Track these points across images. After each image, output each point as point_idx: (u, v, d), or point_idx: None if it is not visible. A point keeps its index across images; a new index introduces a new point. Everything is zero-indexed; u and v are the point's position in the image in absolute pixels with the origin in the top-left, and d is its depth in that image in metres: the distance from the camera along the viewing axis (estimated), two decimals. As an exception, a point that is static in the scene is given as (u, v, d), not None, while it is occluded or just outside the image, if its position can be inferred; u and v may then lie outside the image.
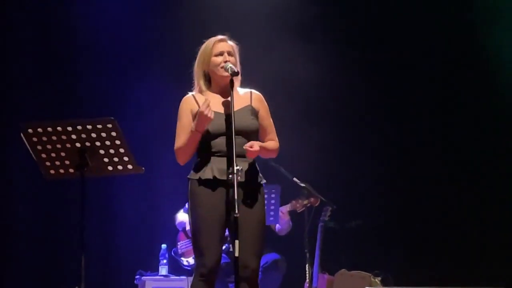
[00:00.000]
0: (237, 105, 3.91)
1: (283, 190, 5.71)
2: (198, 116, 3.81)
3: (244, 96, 4.03)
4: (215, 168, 3.86)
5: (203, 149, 3.92)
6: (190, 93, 4.05)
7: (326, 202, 5.93)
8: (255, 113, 4.00)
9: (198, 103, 3.95)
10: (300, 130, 6.55)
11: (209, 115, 3.78)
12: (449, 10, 6.72)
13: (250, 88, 4.08)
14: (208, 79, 4.04)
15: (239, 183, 3.69)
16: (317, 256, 5.83)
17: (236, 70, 3.90)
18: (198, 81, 4.05)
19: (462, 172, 6.65)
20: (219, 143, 3.88)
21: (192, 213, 3.91)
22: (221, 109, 3.93)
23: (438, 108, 6.80)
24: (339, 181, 6.60)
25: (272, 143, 4.05)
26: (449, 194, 6.61)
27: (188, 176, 3.95)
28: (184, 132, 3.93)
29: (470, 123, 6.68)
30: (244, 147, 3.80)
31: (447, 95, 6.77)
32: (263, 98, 4.08)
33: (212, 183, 3.86)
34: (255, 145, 3.83)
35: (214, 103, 3.91)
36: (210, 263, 3.83)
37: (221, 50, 3.97)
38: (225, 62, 3.92)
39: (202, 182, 3.88)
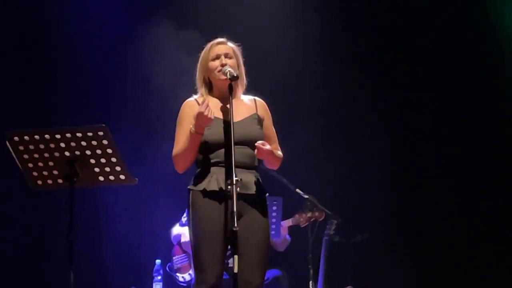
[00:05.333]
0: (243, 114, 3.80)
1: (285, 202, 5.58)
2: (197, 117, 3.63)
3: (249, 103, 3.90)
4: (220, 179, 3.69)
5: (204, 159, 3.75)
6: (193, 97, 3.91)
7: (331, 215, 5.78)
8: (260, 122, 3.87)
9: None
10: (303, 140, 6.44)
11: (209, 115, 3.60)
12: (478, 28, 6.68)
13: (254, 94, 3.96)
14: (209, 85, 3.91)
15: (241, 195, 3.54)
16: (321, 272, 5.69)
17: (235, 74, 3.74)
18: (199, 87, 3.92)
19: (476, 183, 6.53)
20: (222, 152, 3.71)
21: (194, 227, 3.74)
22: (222, 116, 3.78)
23: (451, 123, 6.69)
24: (345, 192, 6.48)
25: (279, 152, 3.91)
26: (463, 207, 6.50)
27: (189, 187, 3.77)
28: (184, 138, 3.76)
29: (487, 135, 6.58)
30: (256, 144, 3.65)
31: (460, 107, 6.68)
32: (267, 106, 3.96)
33: (218, 195, 3.69)
34: (267, 144, 3.70)
35: (215, 110, 3.76)
36: (212, 280, 3.67)
37: (217, 53, 3.84)
38: (222, 65, 3.79)
39: (207, 194, 3.70)
